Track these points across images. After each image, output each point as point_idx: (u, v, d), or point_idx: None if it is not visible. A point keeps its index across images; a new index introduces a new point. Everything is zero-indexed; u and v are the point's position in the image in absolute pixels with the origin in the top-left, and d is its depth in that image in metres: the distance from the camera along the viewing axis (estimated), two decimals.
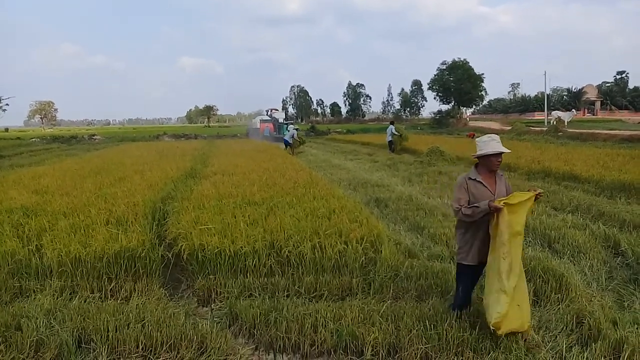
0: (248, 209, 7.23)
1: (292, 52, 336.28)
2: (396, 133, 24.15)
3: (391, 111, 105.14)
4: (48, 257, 5.53)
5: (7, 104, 59.09)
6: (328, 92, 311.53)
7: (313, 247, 5.63)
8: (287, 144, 26.05)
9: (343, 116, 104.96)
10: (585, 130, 33.37)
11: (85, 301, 4.95)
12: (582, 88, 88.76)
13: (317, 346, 4.17)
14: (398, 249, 6.37)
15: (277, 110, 53.09)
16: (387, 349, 4.04)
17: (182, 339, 4.11)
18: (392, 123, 25.81)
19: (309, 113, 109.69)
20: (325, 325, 4.32)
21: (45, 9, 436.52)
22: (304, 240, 5.72)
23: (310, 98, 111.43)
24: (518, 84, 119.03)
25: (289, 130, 27.39)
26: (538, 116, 73.75)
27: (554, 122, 41.00)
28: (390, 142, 24.34)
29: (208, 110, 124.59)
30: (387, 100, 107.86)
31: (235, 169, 12.35)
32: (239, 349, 4.20)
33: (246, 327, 4.54)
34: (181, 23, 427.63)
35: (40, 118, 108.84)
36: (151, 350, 4.04)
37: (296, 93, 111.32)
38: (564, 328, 4.38)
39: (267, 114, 51.05)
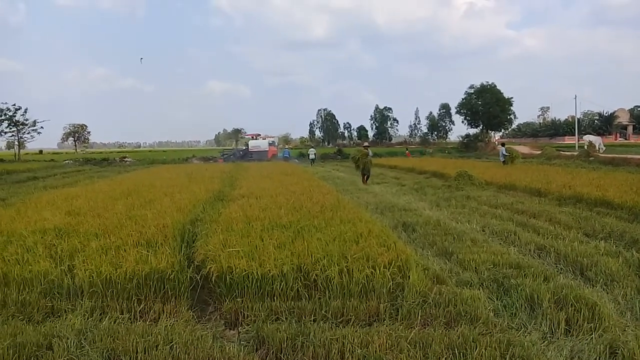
0: (275, 232, 7.26)
1: (318, 75, 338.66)
2: (506, 154, 28.12)
3: (418, 134, 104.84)
4: (79, 278, 5.62)
5: (42, 127, 60.93)
6: (354, 115, 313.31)
7: (340, 271, 5.60)
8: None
9: (370, 139, 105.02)
10: (617, 155, 32.78)
11: (115, 322, 5.00)
12: (614, 112, 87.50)
13: None
14: (426, 275, 6.27)
15: (260, 135, 62.33)
16: None
17: None
18: (502, 145, 31.12)
19: (336, 136, 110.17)
20: (352, 352, 4.27)
21: (77, 33, 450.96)
22: (331, 264, 5.69)
23: (337, 121, 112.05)
24: (548, 107, 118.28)
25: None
26: (568, 140, 72.87)
27: (587, 147, 40.58)
28: (503, 161, 28.02)
29: (236, 134, 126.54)
30: (415, 124, 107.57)
31: (263, 192, 12.43)
32: None
33: (273, 352, 4.51)
34: (209, 47, 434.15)
35: (74, 140, 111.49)
36: None
37: (323, 116, 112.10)
38: (597, 358, 4.26)
39: (254, 138, 60.79)
